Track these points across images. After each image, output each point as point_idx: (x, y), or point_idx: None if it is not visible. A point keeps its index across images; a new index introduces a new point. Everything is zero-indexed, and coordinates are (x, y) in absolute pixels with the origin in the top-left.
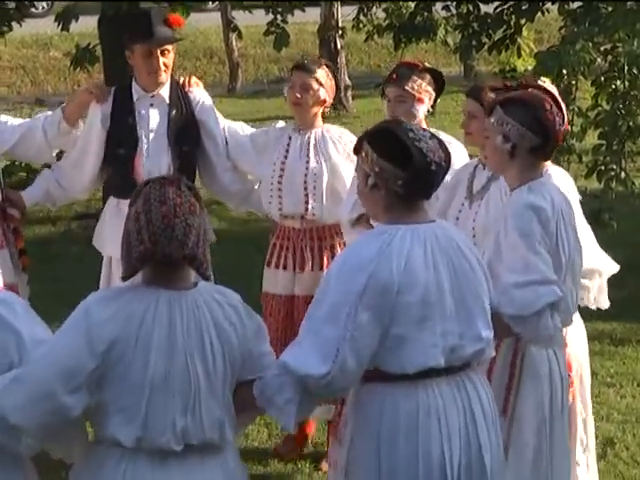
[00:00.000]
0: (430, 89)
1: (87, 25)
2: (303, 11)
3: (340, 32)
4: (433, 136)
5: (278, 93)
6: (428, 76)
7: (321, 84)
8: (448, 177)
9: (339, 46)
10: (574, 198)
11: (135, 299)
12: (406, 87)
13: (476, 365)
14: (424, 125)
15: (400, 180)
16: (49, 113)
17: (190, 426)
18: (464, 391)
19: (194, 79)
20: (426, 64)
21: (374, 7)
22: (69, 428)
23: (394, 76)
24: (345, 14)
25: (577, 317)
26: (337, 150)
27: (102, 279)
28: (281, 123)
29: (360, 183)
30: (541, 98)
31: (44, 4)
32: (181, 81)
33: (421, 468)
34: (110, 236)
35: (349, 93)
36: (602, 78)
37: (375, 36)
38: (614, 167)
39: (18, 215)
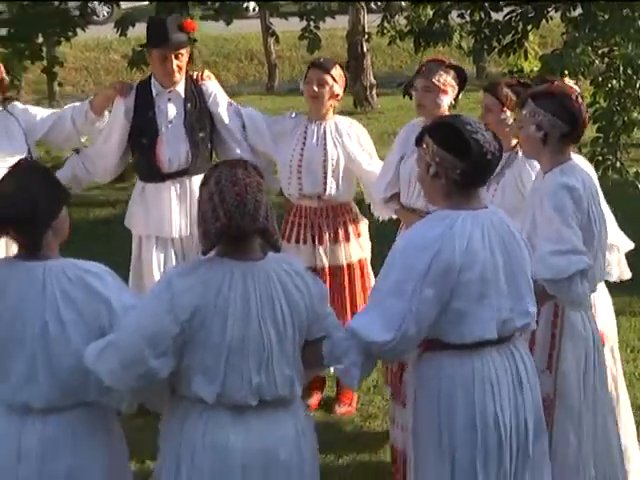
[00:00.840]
0: (454, 83)
1: (142, 31)
2: (333, 18)
3: (366, 37)
4: (487, 128)
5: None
6: (452, 72)
7: (335, 80)
8: None
9: (365, 49)
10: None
11: (211, 271)
12: (433, 79)
13: (522, 334)
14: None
15: (459, 169)
16: (77, 104)
17: (264, 383)
18: (512, 359)
19: (206, 73)
20: (451, 61)
21: (397, 15)
22: (158, 387)
23: (423, 69)
24: (371, 21)
25: (605, 291)
26: (350, 138)
27: (133, 256)
28: (293, 113)
29: (422, 172)
30: (567, 89)
31: (105, 12)
32: (195, 76)
33: (479, 427)
34: (137, 216)
35: (374, 91)
36: (600, 78)
37: (397, 40)
38: (610, 158)
39: None
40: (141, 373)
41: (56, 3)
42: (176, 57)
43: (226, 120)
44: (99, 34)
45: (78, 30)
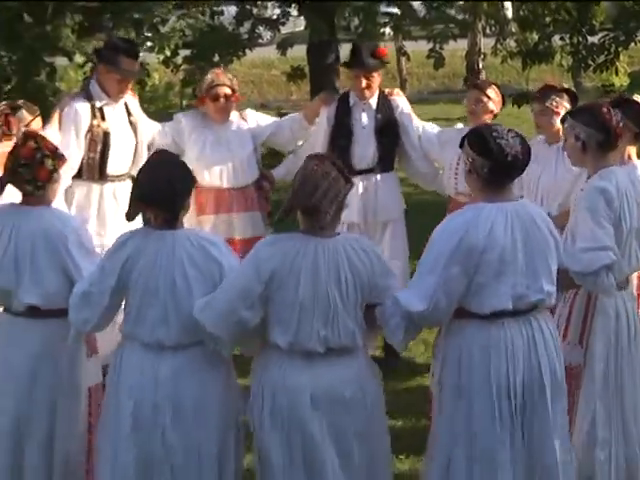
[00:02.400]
0: (566, 104)
1: (299, 51)
2: (455, 40)
3: (482, 56)
4: (517, 135)
5: (435, 101)
6: (565, 95)
7: (490, 98)
8: None
9: (480, 66)
10: None
11: (291, 243)
12: (547, 104)
13: (543, 309)
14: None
15: (485, 168)
16: (293, 115)
17: (329, 335)
18: (529, 327)
19: (396, 90)
20: (564, 85)
21: (508, 38)
22: (250, 335)
23: (539, 95)
24: (486, 43)
25: None
26: None
27: None
28: (460, 125)
29: (466, 174)
30: (600, 105)
31: (268, 36)
32: (387, 92)
33: (493, 383)
34: None
35: None
36: None
37: (508, 59)
38: None
39: (269, 187)
40: (234, 321)
41: (230, 29)
42: (367, 77)
43: (408, 130)
44: (263, 54)
45: (247, 51)
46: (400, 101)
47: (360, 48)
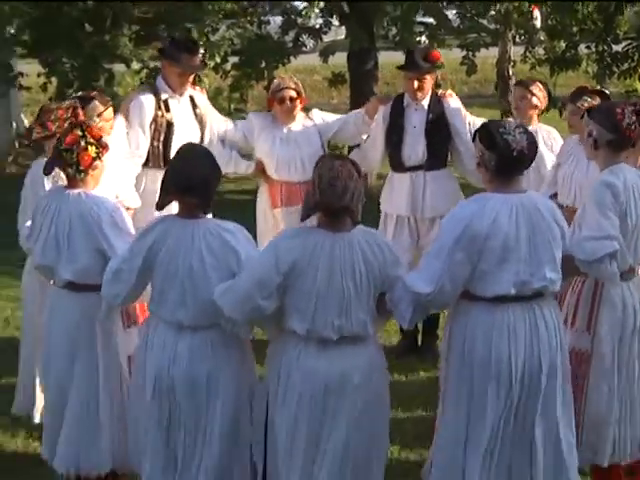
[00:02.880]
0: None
1: (340, 58)
2: (487, 49)
3: (512, 64)
4: (525, 132)
5: (467, 105)
6: (597, 97)
7: (534, 94)
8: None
9: (510, 73)
10: None
11: (310, 236)
12: (578, 104)
13: (548, 295)
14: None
15: (492, 161)
16: (355, 111)
17: (343, 324)
18: (532, 312)
19: (449, 91)
20: (597, 88)
21: (536, 46)
22: (265, 319)
23: (572, 96)
24: (516, 51)
25: None
26: (544, 142)
27: (379, 229)
28: (511, 119)
29: (477, 163)
30: (616, 106)
31: (311, 44)
32: (440, 93)
33: (493, 364)
34: (384, 196)
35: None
36: None
37: (536, 67)
38: None
39: None
40: (251, 308)
41: (276, 38)
42: (419, 80)
43: (459, 130)
44: (306, 61)
45: (291, 58)
46: (452, 102)
47: (414, 52)
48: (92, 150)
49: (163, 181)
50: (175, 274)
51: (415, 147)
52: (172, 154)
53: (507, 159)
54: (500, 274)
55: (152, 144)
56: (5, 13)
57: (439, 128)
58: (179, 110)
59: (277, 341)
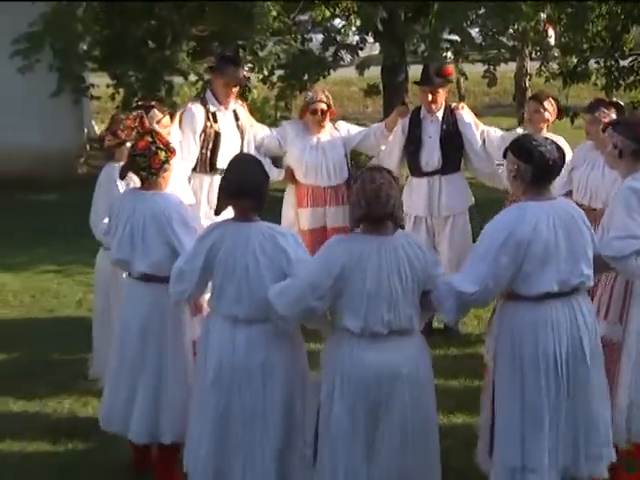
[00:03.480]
0: (613, 115)
1: (374, 71)
2: (506, 64)
3: (528, 77)
4: (553, 143)
5: (487, 114)
6: (612, 107)
7: (546, 109)
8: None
9: (527, 85)
10: None
11: (357, 242)
12: (595, 114)
13: (583, 291)
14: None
15: (529, 172)
16: (376, 124)
17: (392, 318)
18: (571, 307)
19: (462, 104)
20: (613, 99)
21: (550, 61)
22: (315, 318)
23: (590, 107)
24: (532, 66)
25: None
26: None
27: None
28: (519, 129)
29: (508, 176)
30: (637, 119)
31: (348, 59)
32: (453, 105)
33: (540, 356)
34: (405, 198)
35: None
36: None
37: (551, 80)
38: None
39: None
40: (304, 309)
41: (317, 53)
42: (432, 93)
43: (471, 139)
44: (344, 73)
45: (330, 71)
46: (464, 114)
47: (428, 67)
48: (162, 154)
49: (220, 189)
50: (232, 273)
51: (431, 155)
52: (218, 161)
53: (543, 169)
54: (543, 274)
55: (201, 151)
56: (79, 32)
57: (452, 137)
58: (225, 122)
59: (331, 338)
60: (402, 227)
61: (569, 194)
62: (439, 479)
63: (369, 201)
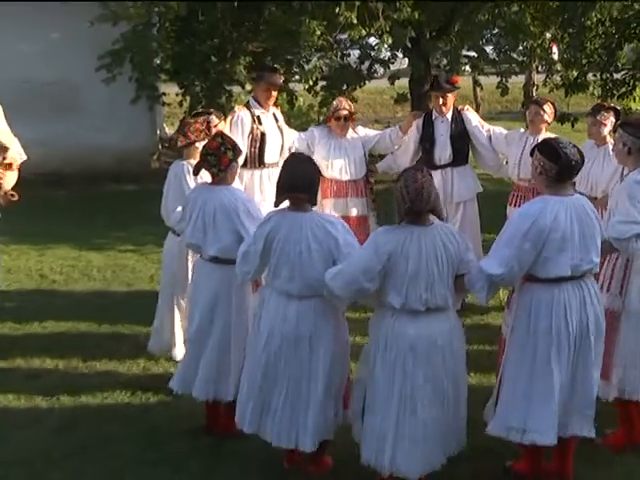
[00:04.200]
0: (612, 118)
1: (403, 81)
2: (517, 76)
3: (535, 87)
4: (574, 146)
5: (500, 119)
6: (611, 111)
7: (545, 112)
8: None
9: (534, 94)
10: None
11: (402, 232)
12: (597, 117)
13: (590, 275)
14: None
15: (554, 170)
16: (392, 128)
17: (429, 297)
18: (581, 289)
19: (467, 107)
20: (612, 104)
21: (554, 74)
22: (366, 296)
23: (591, 111)
24: (538, 78)
25: None
26: None
27: None
28: (521, 129)
29: (533, 171)
30: None
31: (381, 71)
32: (459, 108)
33: (553, 330)
34: None
35: None
36: None
37: (554, 90)
38: None
39: (373, 179)
40: (357, 289)
41: (354, 66)
42: (442, 97)
43: (477, 135)
44: (377, 84)
45: (366, 82)
46: (469, 115)
47: (439, 77)
48: (229, 154)
49: (277, 184)
50: (287, 256)
51: (444, 150)
52: (265, 157)
53: (567, 168)
54: (559, 259)
55: (250, 150)
56: (153, 49)
57: (460, 135)
58: (268, 123)
59: (377, 313)
60: (442, 219)
61: (573, 185)
62: (465, 430)
63: (412, 198)
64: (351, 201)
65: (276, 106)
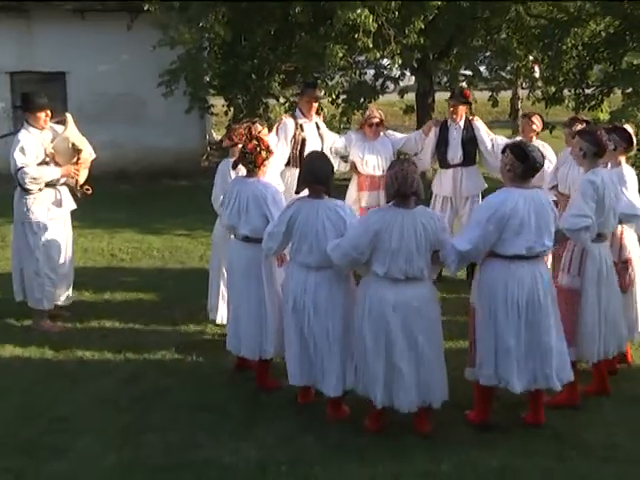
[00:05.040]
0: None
1: (411, 95)
2: (505, 90)
3: (520, 100)
4: (539, 150)
5: (490, 127)
6: (584, 123)
7: (534, 123)
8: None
9: (519, 107)
10: (633, 181)
11: (388, 213)
12: (573, 128)
13: (543, 256)
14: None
15: (520, 169)
16: (416, 132)
17: (408, 268)
18: (533, 266)
19: (476, 117)
20: (584, 118)
21: (536, 90)
22: (359, 265)
23: (568, 123)
24: (523, 93)
25: (634, 235)
26: (546, 149)
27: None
28: (518, 138)
29: (502, 167)
30: (597, 129)
31: (391, 87)
32: (470, 118)
33: (509, 300)
34: (439, 184)
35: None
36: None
37: (536, 103)
38: None
39: None
40: (350, 260)
41: (370, 83)
42: (454, 107)
43: (484, 141)
44: (389, 97)
45: (379, 95)
46: (478, 124)
47: (455, 89)
48: (264, 154)
49: (300, 176)
50: (307, 235)
51: (456, 152)
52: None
53: (531, 168)
54: (516, 241)
55: (292, 151)
56: (204, 68)
57: (470, 140)
58: (309, 130)
59: (364, 279)
60: (422, 202)
61: (555, 187)
62: (446, 382)
63: (400, 183)
64: (382, 193)
65: (319, 115)
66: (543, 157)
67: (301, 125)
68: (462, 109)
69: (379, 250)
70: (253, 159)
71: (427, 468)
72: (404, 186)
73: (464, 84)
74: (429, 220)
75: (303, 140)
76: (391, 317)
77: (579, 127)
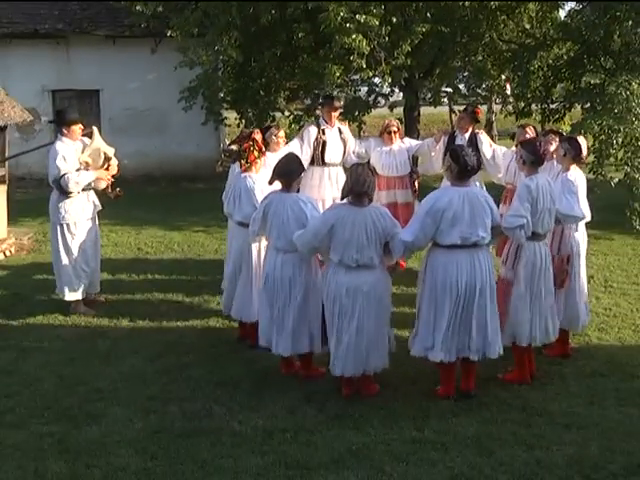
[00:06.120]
0: (557, 139)
1: (399, 109)
2: (481, 105)
3: (494, 114)
4: (475, 155)
5: None
6: (556, 135)
7: (528, 133)
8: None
9: (493, 119)
10: (581, 184)
11: (343, 209)
12: (545, 137)
13: (482, 246)
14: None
15: (455, 170)
16: (428, 139)
17: (359, 257)
18: (471, 255)
19: (481, 131)
20: (553, 128)
21: (508, 105)
22: (320, 252)
23: (542, 134)
24: (496, 107)
25: (584, 230)
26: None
27: None
28: (514, 148)
29: (444, 167)
30: (535, 141)
31: (383, 101)
32: (476, 130)
33: (447, 285)
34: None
35: (496, 138)
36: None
37: (508, 116)
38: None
39: (416, 177)
40: (311, 247)
41: (364, 98)
42: (464, 119)
43: (485, 151)
44: (380, 111)
45: (372, 109)
46: (482, 137)
47: (467, 108)
48: (255, 153)
49: (272, 170)
50: (276, 222)
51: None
52: (325, 159)
53: (464, 170)
54: (452, 232)
55: (314, 153)
56: (219, 86)
57: (474, 149)
58: (331, 135)
59: (327, 267)
60: (371, 202)
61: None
62: (386, 354)
63: (354, 183)
64: (398, 192)
65: (343, 122)
66: (479, 162)
67: (323, 130)
68: (467, 122)
69: (335, 240)
70: (246, 156)
71: (414, 435)
72: (357, 186)
73: (446, 100)
74: (379, 217)
75: (324, 142)
76: (344, 299)
77: (551, 138)
